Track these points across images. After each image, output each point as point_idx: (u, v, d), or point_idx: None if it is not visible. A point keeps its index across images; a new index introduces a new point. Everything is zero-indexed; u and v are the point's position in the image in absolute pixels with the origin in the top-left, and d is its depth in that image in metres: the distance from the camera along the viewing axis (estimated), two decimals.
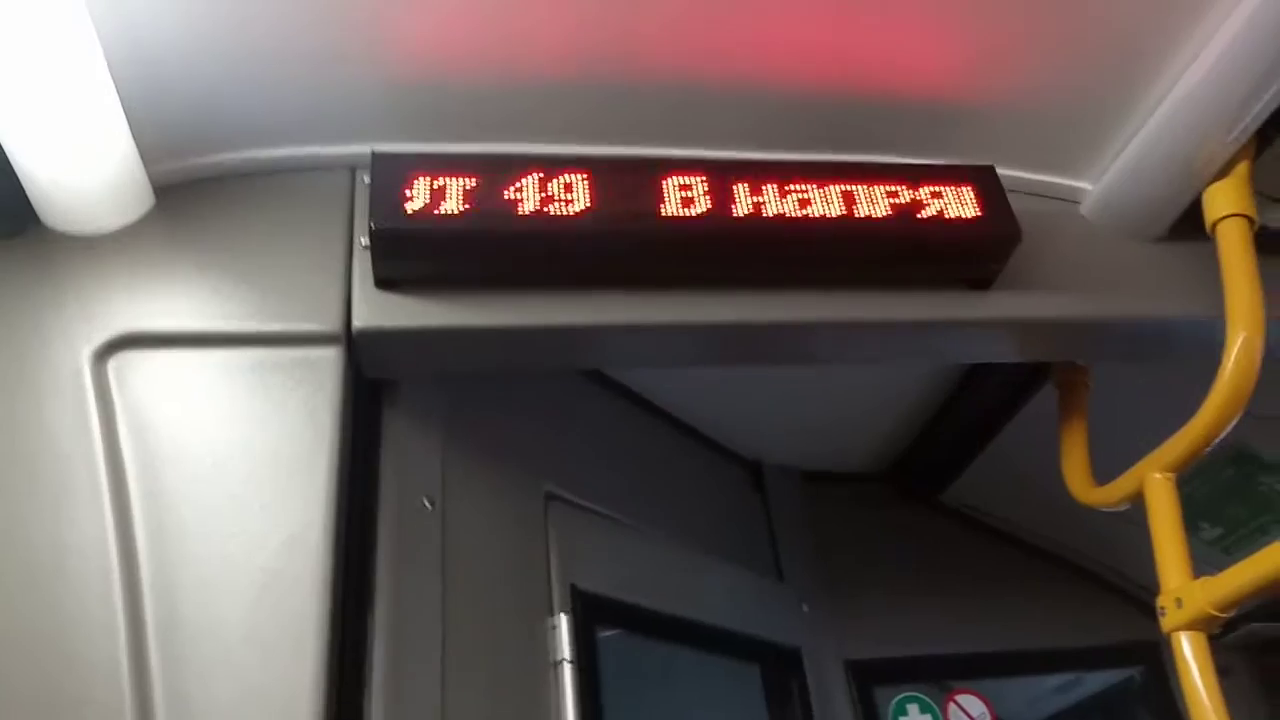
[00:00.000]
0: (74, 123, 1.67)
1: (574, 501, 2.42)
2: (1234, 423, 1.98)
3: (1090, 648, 3.55)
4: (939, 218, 1.96)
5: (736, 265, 1.97)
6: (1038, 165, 2.23)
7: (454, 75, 1.88)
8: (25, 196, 1.77)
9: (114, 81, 1.67)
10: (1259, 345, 1.93)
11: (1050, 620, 3.49)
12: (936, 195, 1.98)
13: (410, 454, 2.03)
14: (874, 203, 1.95)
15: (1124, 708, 3.65)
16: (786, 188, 1.93)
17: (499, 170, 1.84)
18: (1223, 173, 2.05)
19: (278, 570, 1.62)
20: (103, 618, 1.54)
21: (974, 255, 2.03)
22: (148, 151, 1.82)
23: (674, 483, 3.05)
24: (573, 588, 2.23)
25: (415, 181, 1.80)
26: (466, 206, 1.80)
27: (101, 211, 1.82)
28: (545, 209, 1.83)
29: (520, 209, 1.82)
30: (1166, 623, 2.01)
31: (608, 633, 2.31)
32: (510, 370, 2.30)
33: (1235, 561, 1.91)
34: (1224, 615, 1.93)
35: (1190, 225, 2.12)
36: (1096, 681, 3.68)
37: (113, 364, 1.74)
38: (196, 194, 1.93)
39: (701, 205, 1.88)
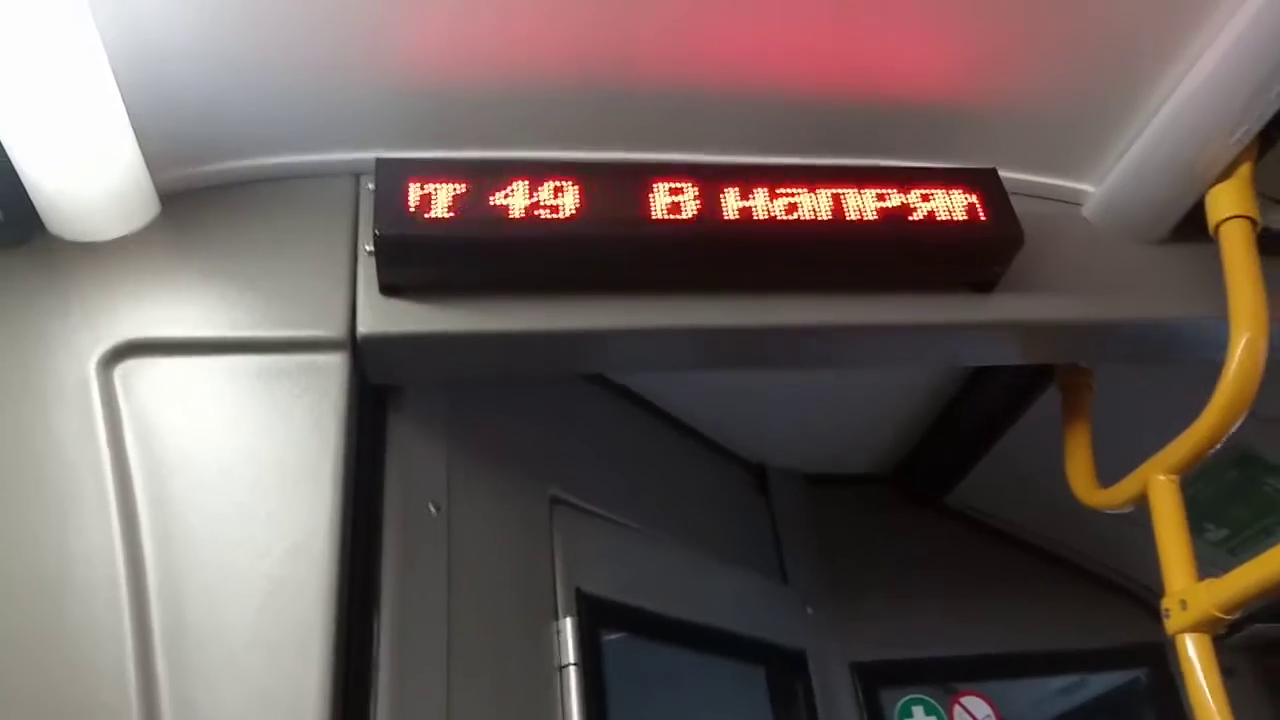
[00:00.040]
0: (80, 131, 1.67)
1: (579, 505, 2.42)
2: (1238, 424, 1.98)
3: (1095, 649, 3.55)
4: (942, 221, 1.96)
5: (740, 269, 1.97)
6: (1040, 168, 2.23)
7: (457, 82, 1.89)
8: (31, 205, 1.77)
9: (119, 90, 1.68)
10: (1262, 347, 1.93)
11: (1055, 622, 3.49)
12: (939, 198, 1.98)
13: (415, 459, 2.03)
14: (877, 206, 1.95)
15: (1129, 709, 3.64)
16: (788, 192, 1.93)
17: (502, 176, 1.85)
18: (1225, 175, 2.05)
19: (284, 576, 1.63)
20: (109, 624, 1.54)
21: (977, 258, 2.03)
22: (153, 159, 1.82)
23: (678, 486, 3.05)
24: (577, 591, 2.23)
25: (419, 188, 1.81)
26: (470, 212, 1.80)
27: (107, 219, 1.83)
28: (548, 214, 1.83)
29: (524, 214, 1.82)
30: (1171, 625, 2.01)
31: (612, 636, 2.31)
32: (514, 375, 2.31)
33: (1240, 563, 1.91)
34: (1229, 617, 1.93)
35: (1193, 227, 2.12)
36: (1101, 683, 3.67)
37: (119, 371, 1.74)
38: (201, 201, 1.94)
39: (706, 211, 1.88)
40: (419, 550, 1.93)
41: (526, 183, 1.85)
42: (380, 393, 2.02)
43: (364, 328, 1.83)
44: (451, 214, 1.80)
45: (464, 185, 1.82)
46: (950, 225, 1.97)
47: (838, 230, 1.93)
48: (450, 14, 1.77)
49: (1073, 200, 2.28)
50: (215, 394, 1.78)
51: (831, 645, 3.15)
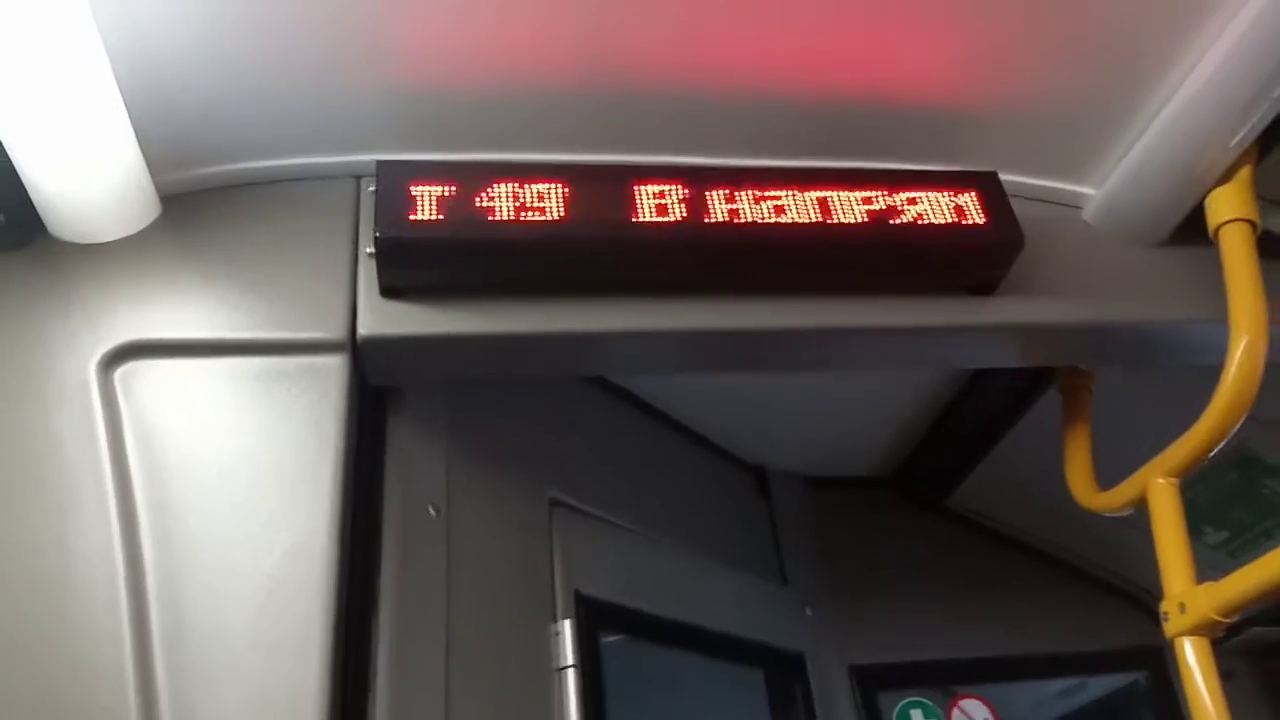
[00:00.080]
0: (81, 134, 1.67)
1: (578, 507, 2.42)
2: (1237, 427, 1.98)
3: (1094, 652, 3.55)
4: (942, 224, 1.97)
5: (741, 272, 1.97)
6: (1040, 171, 2.23)
7: (457, 85, 1.89)
8: (33, 207, 1.78)
9: (121, 93, 1.68)
10: (1262, 349, 1.93)
11: (1054, 625, 3.49)
12: (940, 201, 1.98)
13: (415, 461, 2.04)
14: (877, 209, 1.95)
15: (1127, 712, 3.64)
16: (789, 194, 1.93)
17: (503, 179, 1.85)
18: (1225, 178, 2.05)
19: (283, 577, 1.63)
20: (109, 625, 1.54)
21: (977, 261, 2.04)
22: (154, 162, 1.82)
23: (678, 488, 3.05)
24: (576, 593, 2.23)
25: (420, 190, 1.81)
26: (471, 215, 1.80)
27: (108, 221, 1.83)
28: (549, 217, 1.83)
29: (525, 217, 1.82)
30: (1170, 628, 2.01)
31: (611, 638, 2.31)
32: (514, 377, 2.31)
33: (1240, 566, 1.91)
34: (1227, 620, 1.93)
35: (1193, 230, 2.12)
36: (1100, 686, 3.67)
37: (119, 373, 1.74)
38: (202, 203, 1.94)
39: (707, 215, 1.88)
40: (418, 552, 1.93)
41: (527, 185, 1.85)
42: (380, 394, 2.02)
43: (364, 330, 1.83)
44: (452, 216, 1.80)
45: (465, 188, 1.82)
46: (951, 228, 1.97)
47: (837, 233, 1.93)
48: (450, 17, 1.77)
49: (1073, 203, 2.28)
50: (215, 395, 1.78)
51: (830, 648, 3.15)
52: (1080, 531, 3.31)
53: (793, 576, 3.24)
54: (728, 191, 1.91)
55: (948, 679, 3.38)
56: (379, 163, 1.85)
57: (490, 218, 1.81)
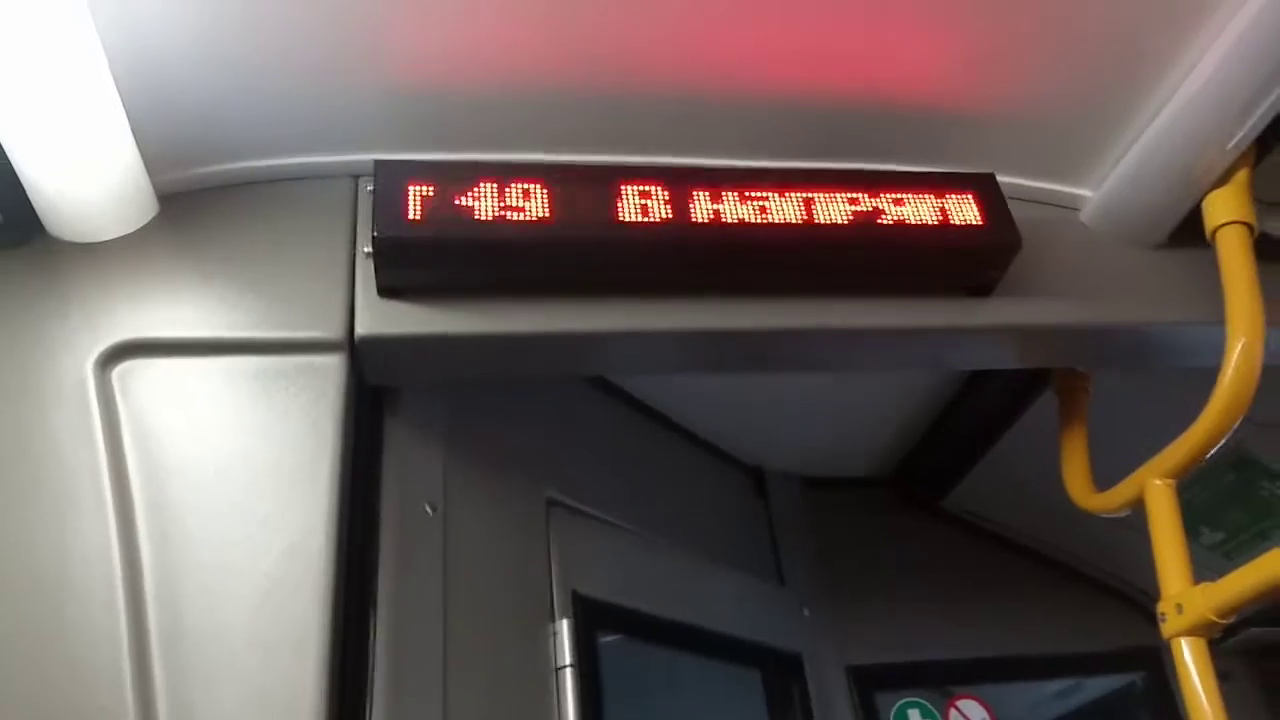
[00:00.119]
0: (79, 134, 1.67)
1: (575, 507, 2.42)
2: (1234, 429, 1.98)
3: (1091, 653, 3.55)
4: (939, 225, 1.97)
5: (737, 272, 1.97)
6: (1038, 172, 2.23)
7: (455, 85, 1.89)
8: (31, 206, 1.77)
9: (119, 92, 1.68)
10: (1259, 351, 1.93)
11: (1051, 626, 3.50)
12: (937, 203, 1.98)
13: (412, 460, 2.04)
14: (874, 210, 1.96)
15: (1125, 713, 3.65)
16: (786, 195, 1.93)
17: (501, 178, 1.85)
18: (1222, 180, 2.05)
19: (280, 577, 1.63)
20: (106, 625, 1.54)
21: (974, 262, 2.04)
22: (152, 161, 1.82)
23: (675, 488, 3.05)
24: (574, 593, 2.23)
25: (418, 190, 1.81)
26: (468, 214, 1.80)
27: (106, 221, 1.83)
28: (548, 217, 1.83)
29: (522, 217, 1.82)
30: (1167, 628, 2.01)
31: (609, 638, 2.31)
32: (513, 377, 2.31)
33: (1236, 567, 1.91)
34: (1224, 621, 1.93)
35: (1190, 232, 2.12)
36: (1097, 687, 3.68)
37: (116, 372, 1.74)
38: (200, 203, 1.94)
39: (702, 213, 1.89)
40: (415, 551, 1.93)
41: (525, 186, 1.85)
42: (377, 394, 2.02)
43: (362, 329, 1.83)
44: (450, 216, 1.80)
45: (463, 187, 1.82)
46: (948, 229, 1.97)
47: (835, 234, 1.93)
48: (448, 17, 1.77)
49: (1070, 205, 2.28)
50: (213, 395, 1.78)
51: (828, 648, 3.15)
52: (1077, 533, 3.32)
53: (790, 577, 3.24)
54: (727, 193, 1.91)
55: (945, 679, 3.38)
56: (377, 162, 1.85)
57: (489, 218, 1.81)
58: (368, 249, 1.82)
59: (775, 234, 1.91)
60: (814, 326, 2.01)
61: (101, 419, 1.69)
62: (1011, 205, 2.02)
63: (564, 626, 2.14)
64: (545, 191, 1.85)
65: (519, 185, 1.85)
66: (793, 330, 2.01)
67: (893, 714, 3.25)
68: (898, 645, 3.29)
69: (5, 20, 1.50)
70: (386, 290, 1.86)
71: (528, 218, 1.82)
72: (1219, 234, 2.04)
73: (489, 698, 1.95)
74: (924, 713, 3.28)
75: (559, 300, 1.91)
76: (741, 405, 3.10)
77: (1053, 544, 3.63)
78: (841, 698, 3.12)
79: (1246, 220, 2.02)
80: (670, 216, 1.88)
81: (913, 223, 1.96)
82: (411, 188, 1.81)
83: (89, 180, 1.76)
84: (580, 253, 1.87)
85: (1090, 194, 2.25)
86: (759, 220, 1.90)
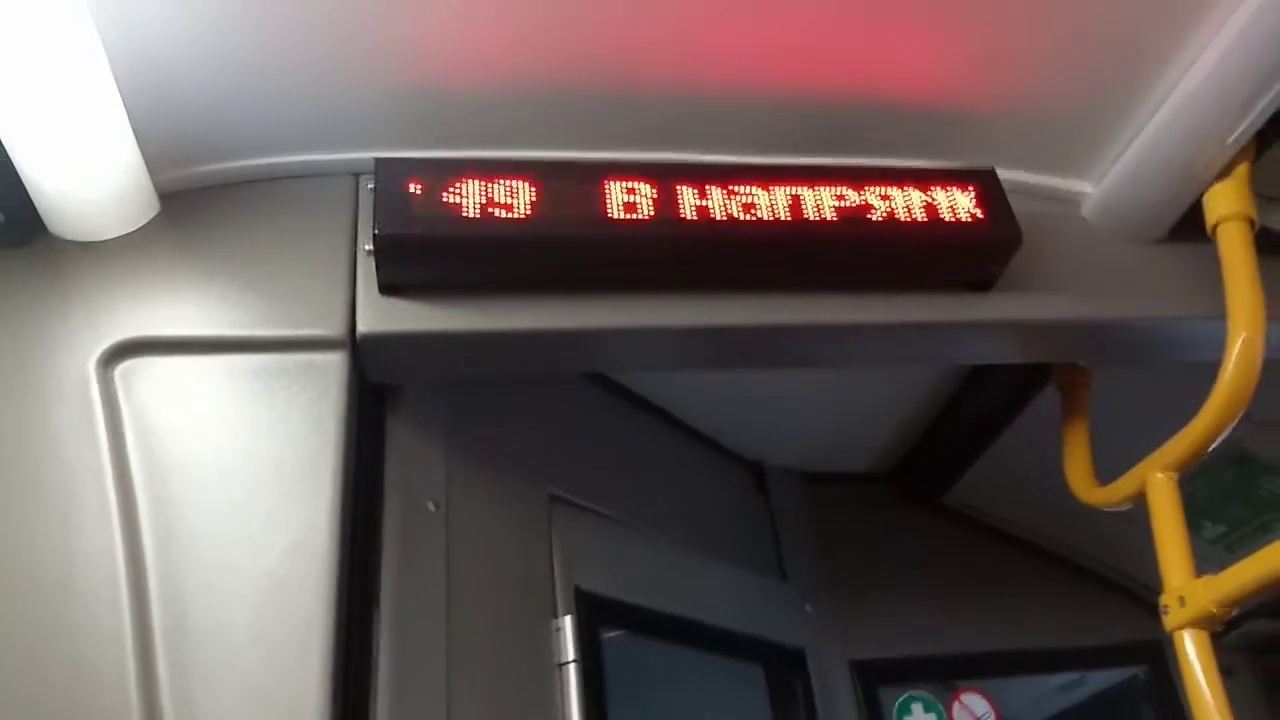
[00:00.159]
0: (81, 133, 1.68)
1: (577, 504, 2.43)
2: (1235, 423, 1.98)
3: (1093, 647, 3.55)
4: (940, 220, 1.97)
5: (738, 268, 1.97)
6: (1038, 168, 2.23)
7: (455, 84, 1.89)
8: (33, 205, 1.78)
9: (120, 91, 1.68)
10: (1260, 346, 1.93)
11: (1053, 620, 3.50)
12: (937, 198, 1.99)
13: (414, 457, 2.04)
14: (875, 206, 1.96)
15: (1127, 707, 3.64)
16: (787, 191, 1.93)
17: (501, 175, 1.85)
18: (1223, 175, 2.05)
19: (283, 575, 1.63)
20: (110, 624, 1.55)
21: (975, 257, 2.04)
22: (153, 160, 1.82)
23: (677, 484, 3.06)
24: (576, 589, 2.24)
25: (418, 187, 1.81)
26: (469, 212, 1.81)
27: (107, 220, 1.83)
28: (548, 214, 1.83)
29: (523, 214, 1.83)
30: (1169, 621, 2.01)
31: (612, 634, 2.32)
32: (514, 374, 2.31)
33: (1238, 560, 1.92)
34: (1227, 613, 1.94)
35: (1191, 227, 2.12)
36: (1100, 680, 3.67)
37: (119, 371, 1.75)
38: (201, 201, 1.94)
39: (706, 211, 1.89)
40: (418, 548, 1.93)
41: (525, 183, 1.85)
42: (379, 391, 2.02)
43: (363, 327, 1.83)
44: (451, 214, 1.80)
45: (463, 185, 1.82)
46: (948, 225, 1.97)
47: (836, 229, 1.94)
48: (449, 15, 1.77)
49: (1071, 200, 2.28)
50: (215, 393, 1.78)
51: (830, 643, 3.15)
52: (1079, 527, 3.32)
53: (792, 572, 3.24)
54: (726, 188, 1.92)
55: (948, 673, 3.38)
56: (377, 160, 1.85)
57: (489, 215, 1.81)
58: (369, 247, 1.82)
59: (777, 230, 1.91)
60: (815, 322, 2.01)
61: (104, 418, 1.69)
62: (1012, 200, 2.02)
63: (567, 622, 2.15)
64: (546, 189, 1.85)
65: (519, 183, 1.85)
66: (793, 326, 2.01)
67: (896, 708, 3.25)
68: (900, 640, 3.29)
69: (6, 20, 1.50)
70: (388, 288, 1.86)
71: (528, 215, 1.83)
72: (1220, 228, 2.05)
73: (492, 694, 1.96)
74: (927, 706, 3.28)
75: (560, 297, 1.91)
76: (742, 401, 3.10)
77: (1055, 538, 3.63)
78: (845, 692, 3.12)
79: (1247, 215, 2.03)
80: (677, 215, 1.88)
81: (914, 218, 1.96)
82: (412, 185, 1.81)
83: (90, 179, 1.76)
84: (581, 250, 1.87)
85: (1091, 189, 2.25)
86: (764, 217, 1.91)
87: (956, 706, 3.33)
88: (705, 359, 2.23)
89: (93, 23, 1.58)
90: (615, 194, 1.88)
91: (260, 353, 1.82)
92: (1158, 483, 2.14)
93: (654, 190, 1.90)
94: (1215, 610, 1.93)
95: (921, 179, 2.01)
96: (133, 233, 1.87)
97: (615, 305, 1.93)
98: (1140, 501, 2.20)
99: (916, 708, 3.28)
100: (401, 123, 1.95)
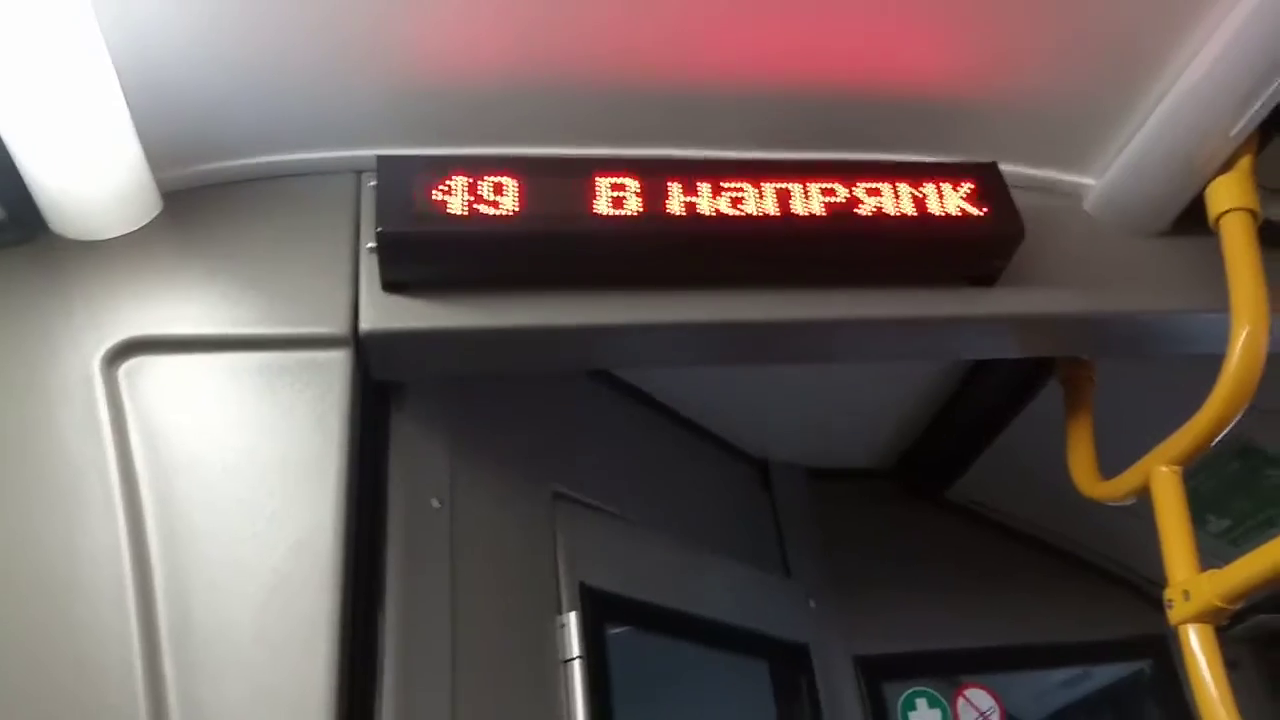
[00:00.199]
0: (83, 131, 1.68)
1: (581, 500, 2.43)
2: (1239, 416, 1.98)
3: (1098, 642, 3.55)
4: (942, 215, 1.97)
5: (741, 264, 1.97)
6: (1040, 161, 2.23)
7: (455, 81, 1.89)
8: (35, 204, 1.78)
9: (122, 90, 1.68)
10: (1263, 339, 1.93)
11: (1058, 614, 3.50)
12: (940, 192, 1.98)
13: (418, 455, 2.04)
14: (878, 201, 1.96)
15: (1132, 701, 3.65)
16: (791, 187, 1.93)
17: (502, 172, 1.85)
18: (1226, 167, 2.05)
19: (288, 572, 1.63)
20: (116, 623, 1.55)
21: (978, 252, 2.04)
22: (155, 158, 1.82)
23: (681, 481, 3.06)
24: (581, 586, 2.24)
25: (421, 185, 1.81)
26: (472, 209, 1.81)
27: (110, 218, 1.83)
28: (549, 210, 1.83)
29: (524, 210, 1.83)
30: (1174, 615, 2.01)
31: (616, 630, 2.32)
32: (518, 371, 2.31)
33: (1242, 554, 1.91)
34: (1231, 607, 1.93)
35: (1193, 220, 2.12)
36: (1104, 675, 3.68)
37: (123, 369, 1.75)
38: (203, 199, 1.94)
39: (706, 207, 1.89)
40: (423, 545, 1.94)
41: (527, 179, 1.85)
42: (383, 389, 2.02)
43: (366, 324, 1.83)
44: (453, 211, 1.80)
45: (466, 182, 1.82)
46: (951, 219, 1.97)
47: (838, 224, 1.93)
48: (449, 13, 1.77)
49: (1073, 194, 2.28)
50: (218, 391, 1.78)
51: (834, 638, 3.15)
52: (1083, 521, 3.32)
53: (796, 568, 3.25)
54: (730, 184, 1.91)
55: (952, 669, 3.38)
56: (379, 158, 1.85)
57: (491, 212, 1.81)
58: (371, 244, 1.82)
59: (782, 226, 1.91)
60: (819, 318, 2.01)
61: (108, 417, 1.69)
62: (1014, 194, 2.02)
63: (572, 619, 2.15)
64: (548, 185, 1.85)
65: (521, 180, 1.85)
66: (798, 321, 2.01)
67: (900, 703, 3.26)
68: (904, 635, 3.30)
69: (9, 20, 1.50)
70: (390, 285, 1.86)
71: (530, 212, 1.82)
72: (1222, 221, 2.04)
73: (497, 691, 1.96)
74: (931, 702, 3.29)
75: (565, 293, 1.91)
76: (746, 397, 3.10)
77: (1059, 533, 3.63)
78: (849, 688, 3.13)
79: (1250, 207, 2.02)
80: (681, 211, 1.88)
81: (916, 213, 1.96)
82: (414, 183, 1.81)
83: (93, 178, 1.76)
84: (584, 246, 1.87)
85: (1093, 182, 2.24)
86: (760, 213, 1.90)
87: (961, 702, 3.33)
88: (710, 355, 2.23)
89: (96, 22, 1.57)
90: (619, 191, 1.88)
91: (263, 351, 1.82)
92: (1162, 477, 2.14)
93: (663, 187, 1.89)
94: (1220, 604, 1.92)
95: (924, 174, 2.00)
96: (135, 231, 1.87)
97: (620, 301, 1.93)
98: (1144, 496, 2.19)
99: (921, 703, 3.29)
100: (402, 120, 1.95)
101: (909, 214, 1.96)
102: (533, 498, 2.30)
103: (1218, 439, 2.03)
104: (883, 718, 3.20)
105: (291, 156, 1.99)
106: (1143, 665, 3.59)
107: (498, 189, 1.83)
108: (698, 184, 1.91)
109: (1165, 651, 3.43)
